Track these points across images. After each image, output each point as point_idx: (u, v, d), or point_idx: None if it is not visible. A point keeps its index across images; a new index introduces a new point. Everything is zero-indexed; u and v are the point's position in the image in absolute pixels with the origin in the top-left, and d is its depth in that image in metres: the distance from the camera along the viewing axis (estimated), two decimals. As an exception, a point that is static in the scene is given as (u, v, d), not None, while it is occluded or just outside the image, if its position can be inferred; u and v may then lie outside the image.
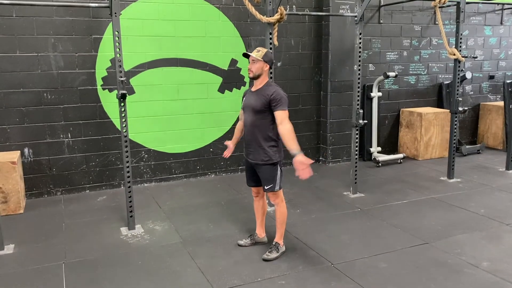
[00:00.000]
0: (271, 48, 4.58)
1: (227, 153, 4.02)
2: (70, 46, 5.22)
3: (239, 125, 3.92)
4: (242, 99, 3.78)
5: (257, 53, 3.53)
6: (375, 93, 6.79)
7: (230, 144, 4.02)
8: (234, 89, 6.13)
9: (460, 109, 5.78)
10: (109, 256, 3.82)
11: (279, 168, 3.65)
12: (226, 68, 6.03)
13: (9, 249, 3.95)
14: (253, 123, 3.56)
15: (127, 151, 4.22)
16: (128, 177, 4.28)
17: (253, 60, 3.52)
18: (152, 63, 5.64)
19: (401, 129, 7.33)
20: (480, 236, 4.14)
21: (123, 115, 4.14)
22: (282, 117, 3.44)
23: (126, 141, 4.20)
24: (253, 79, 3.58)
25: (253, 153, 3.62)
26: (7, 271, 3.56)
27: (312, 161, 3.26)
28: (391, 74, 6.40)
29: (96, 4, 4.25)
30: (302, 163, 3.22)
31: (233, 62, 6.05)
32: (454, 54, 5.65)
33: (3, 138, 5.11)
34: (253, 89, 3.63)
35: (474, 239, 4.08)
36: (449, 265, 3.58)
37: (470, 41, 7.64)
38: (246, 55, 3.59)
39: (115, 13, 3.96)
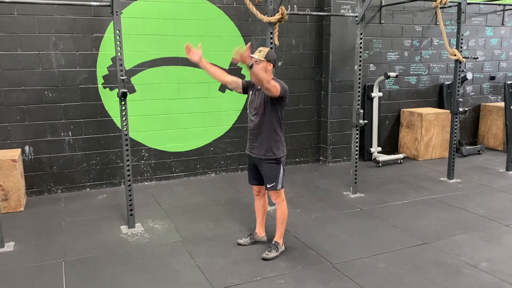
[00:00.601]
0: (272, 48, 4.58)
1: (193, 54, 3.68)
2: (71, 44, 5.23)
3: (224, 75, 3.84)
4: (248, 81, 3.77)
5: (259, 53, 3.54)
6: (376, 93, 6.79)
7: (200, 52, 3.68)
8: (235, 88, 6.12)
9: (461, 109, 5.78)
10: (109, 255, 3.83)
11: (282, 166, 3.66)
12: (227, 68, 6.03)
13: (9, 246, 3.96)
14: (258, 120, 3.59)
15: (127, 150, 4.23)
16: (129, 175, 4.29)
17: (256, 61, 3.53)
18: (153, 62, 5.65)
19: (402, 129, 7.33)
20: (479, 236, 4.15)
21: (123, 113, 4.14)
22: (274, 81, 3.42)
23: (126, 140, 4.21)
24: None
25: (257, 147, 3.64)
26: (7, 269, 3.57)
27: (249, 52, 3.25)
28: (392, 74, 6.40)
29: (98, 3, 4.26)
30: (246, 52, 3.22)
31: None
32: (455, 55, 5.65)
33: (4, 136, 5.12)
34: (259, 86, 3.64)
35: (473, 239, 4.08)
36: (448, 266, 3.59)
37: (471, 41, 7.64)
38: None
39: (116, 11, 3.97)
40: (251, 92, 3.72)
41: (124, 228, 4.37)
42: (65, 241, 4.10)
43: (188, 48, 3.66)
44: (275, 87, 3.39)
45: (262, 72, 3.33)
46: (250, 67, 3.24)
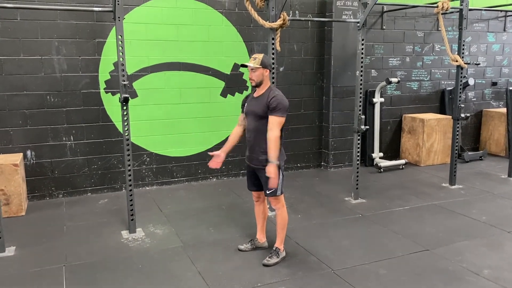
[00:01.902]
0: (273, 53, 4.59)
1: (216, 164, 3.74)
2: (74, 49, 5.25)
3: (236, 131, 3.84)
4: (243, 104, 3.77)
5: (254, 61, 3.52)
6: (377, 99, 6.79)
7: (221, 153, 3.75)
8: (237, 93, 6.14)
9: (463, 115, 5.78)
10: (110, 260, 3.82)
11: (281, 173, 3.64)
12: (228, 73, 6.04)
13: (10, 251, 3.95)
14: (256, 129, 3.57)
15: (129, 154, 4.23)
16: (130, 180, 4.29)
17: (252, 69, 3.53)
18: (155, 67, 5.67)
19: (403, 135, 7.32)
20: (481, 243, 4.13)
21: (125, 118, 4.15)
22: (274, 122, 3.44)
23: (128, 144, 4.22)
24: (256, 86, 3.60)
25: (256, 158, 3.63)
26: (8, 273, 3.57)
27: (277, 181, 3.41)
28: (394, 80, 6.40)
29: (100, 8, 4.27)
30: (270, 173, 3.35)
31: (236, 66, 6.07)
32: (457, 61, 5.65)
33: (6, 140, 5.13)
34: (255, 94, 3.64)
35: (475, 246, 4.07)
36: (450, 272, 3.57)
37: (473, 47, 7.64)
38: (244, 66, 3.60)
39: (119, 17, 3.99)
40: (246, 104, 3.70)
41: (125, 233, 4.37)
42: (66, 245, 4.09)
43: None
44: (279, 126, 3.44)
45: (276, 151, 3.40)
46: (279, 164, 3.41)
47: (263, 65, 3.52)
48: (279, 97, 3.48)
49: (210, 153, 3.82)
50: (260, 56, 3.54)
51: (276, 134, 3.41)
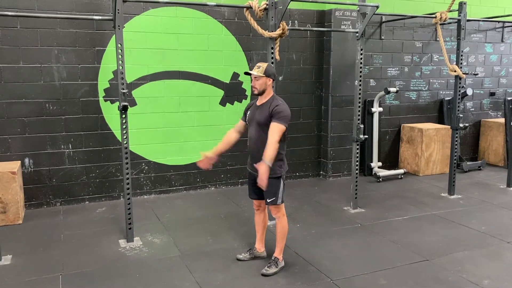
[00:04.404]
0: (272, 63, 4.60)
1: (206, 165, 3.75)
2: (73, 57, 5.26)
3: (230, 135, 3.83)
4: (245, 111, 3.78)
5: (258, 69, 3.54)
6: (376, 108, 6.80)
7: (211, 154, 3.74)
8: (236, 102, 6.15)
9: (461, 125, 5.79)
10: (107, 269, 3.79)
11: (282, 181, 3.64)
12: (228, 82, 6.06)
13: (6, 260, 3.92)
14: (258, 137, 3.56)
15: (127, 163, 4.22)
16: (128, 189, 4.27)
17: (255, 77, 3.54)
18: (154, 76, 5.68)
19: (402, 145, 7.33)
20: (481, 253, 4.11)
21: (124, 126, 4.14)
22: (275, 129, 3.41)
23: (126, 153, 4.20)
24: (259, 95, 3.60)
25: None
26: (4, 282, 3.53)
27: (266, 181, 3.31)
28: (392, 89, 6.42)
29: (100, 17, 4.29)
30: (259, 167, 3.29)
31: (235, 75, 6.08)
32: (455, 71, 5.68)
33: (4, 148, 5.12)
34: (258, 103, 3.64)
35: (474, 256, 4.05)
36: (450, 283, 3.55)
37: (471, 58, 7.68)
38: (248, 74, 3.61)
39: (119, 26, 4.00)
40: (249, 112, 3.70)
41: (122, 242, 4.34)
42: (63, 254, 4.06)
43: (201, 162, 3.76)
44: (280, 133, 3.41)
45: (272, 154, 3.35)
46: (269, 166, 3.32)
47: (267, 73, 3.53)
48: (283, 106, 3.49)
49: (202, 153, 3.78)
50: (264, 65, 3.56)
51: (276, 139, 3.39)
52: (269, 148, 3.35)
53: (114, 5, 3.97)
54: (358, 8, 5.09)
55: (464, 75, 5.72)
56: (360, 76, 5.16)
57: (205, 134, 6.04)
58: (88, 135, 5.45)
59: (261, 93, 3.57)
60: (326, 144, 6.72)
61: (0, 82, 5.00)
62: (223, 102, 6.08)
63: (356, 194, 5.33)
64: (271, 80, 3.58)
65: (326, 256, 4.04)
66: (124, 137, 4.16)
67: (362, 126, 5.17)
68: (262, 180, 3.29)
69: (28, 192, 5.26)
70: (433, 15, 5.63)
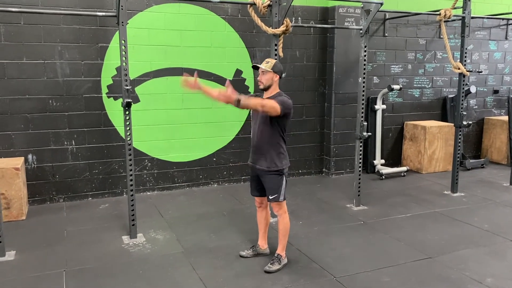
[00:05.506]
0: (276, 59, 4.59)
1: (190, 85, 3.46)
2: (77, 54, 5.26)
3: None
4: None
5: (266, 64, 3.54)
6: (379, 106, 6.79)
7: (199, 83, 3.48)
8: (239, 99, 6.13)
9: (464, 123, 5.77)
10: (110, 265, 3.80)
11: (284, 178, 3.64)
12: (231, 78, 6.04)
13: (10, 255, 3.93)
14: (262, 132, 3.57)
15: (130, 159, 4.22)
16: (131, 185, 4.28)
17: (262, 71, 3.53)
18: (158, 72, 5.67)
19: (405, 142, 7.31)
20: (484, 251, 4.11)
21: (127, 123, 4.15)
22: (271, 101, 3.36)
23: (130, 149, 4.21)
24: (264, 90, 3.60)
25: (260, 160, 3.62)
26: (7, 278, 3.55)
27: (224, 97, 3.10)
28: (396, 87, 6.40)
29: (104, 13, 4.28)
30: (228, 92, 3.12)
31: (238, 72, 6.07)
32: (459, 68, 5.66)
33: (8, 144, 5.12)
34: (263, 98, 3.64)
35: (478, 254, 4.04)
36: (453, 281, 3.55)
37: (474, 55, 7.65)
38: (255, 67, 3.60)
39: (122, 22, 3.99)
40: None
41: (125, 238, 4.35)
42: (66, 250, 4.07)
43: (185, 81, 3.48)
44: (273, 108, 3.35)
45: (252, 101, 3.27)
46: (237, 104, 3.13)
47: (275, 69, 3.54)
48: (285, 98, 3.50)
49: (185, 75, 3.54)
50: (273, 61, 3.57)
51: (265, 104, 3.30)
52: (256, 100, 3.32)
53: (117, 1, 3.96)
54: (362, 5, 5.07)
55: (468, 72, 5.70)
56: (364, 73, 5.14)
57: (208, 131, 6.04)
58: (91, 132, 5.46)
59: (266, 88, 3.57)
60: (329, 141, 6.71)
61: (4, 78, 5.01)
62: (226, 99, 6.07)
63: (359, 191, 5.32)
64: (278, 76, 3.58)
65: (329, 253, 4.04)
66: (128, 133, 4.16)
67: (365, 123, 5.16)
68: (223, 94, 3.12)
69: (31, 188, 5.27)
70: (437, 12, 5.60)
